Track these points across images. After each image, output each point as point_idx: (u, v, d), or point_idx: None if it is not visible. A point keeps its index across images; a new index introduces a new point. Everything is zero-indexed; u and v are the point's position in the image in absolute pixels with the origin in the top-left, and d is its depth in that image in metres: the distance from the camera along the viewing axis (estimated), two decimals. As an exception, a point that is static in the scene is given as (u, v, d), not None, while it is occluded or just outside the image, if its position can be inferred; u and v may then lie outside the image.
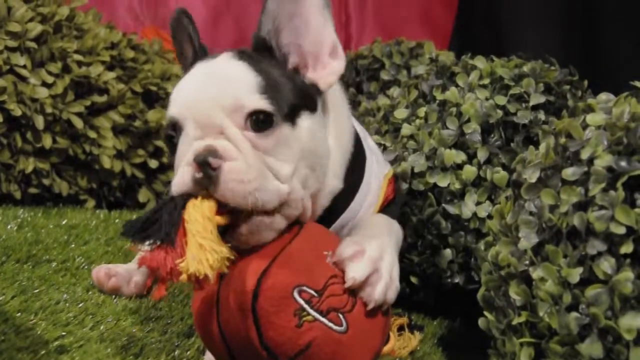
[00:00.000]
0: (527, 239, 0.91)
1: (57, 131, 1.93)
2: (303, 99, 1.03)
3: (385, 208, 1.21)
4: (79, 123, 1.93)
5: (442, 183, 1.29)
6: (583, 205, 0.85)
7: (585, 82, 1.44)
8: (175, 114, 0.99)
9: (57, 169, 1.98)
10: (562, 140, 0.93)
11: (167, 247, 0.89)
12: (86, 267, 1.42)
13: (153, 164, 2.11)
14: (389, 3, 3.15)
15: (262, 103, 0.97)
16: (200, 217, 0.90)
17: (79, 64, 1.97)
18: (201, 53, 1.11)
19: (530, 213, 0.93)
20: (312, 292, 0.92)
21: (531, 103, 1.32)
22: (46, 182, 1.95)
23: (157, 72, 2.15)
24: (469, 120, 1.31)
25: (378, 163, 1.22)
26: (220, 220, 0.91)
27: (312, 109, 1.04)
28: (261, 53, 1.05)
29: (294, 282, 0.92)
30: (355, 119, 1.25)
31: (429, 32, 3.03)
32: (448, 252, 1.31)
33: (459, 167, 1.29)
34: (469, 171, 1.28)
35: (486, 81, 1.37)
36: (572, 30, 2.69)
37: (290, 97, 1.00)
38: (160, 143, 2.11)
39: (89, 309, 1.19)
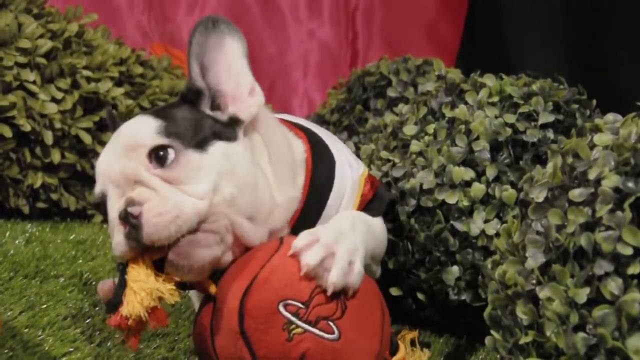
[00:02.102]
0: (534, 259, 0.91)
1: (66, 146, 1.94)
2: (218, 130, 1.07)
3: (365, 207, 1.22)
4: (87, 138, 1.94)
5: (451, 200, 1.29)
6: (590, 226, 0.85)
7: (594, 102, 1.44)
8: (98, 189, 1.05)
9: (65, 184, 1.99)
10: (570, 160, 0.93)
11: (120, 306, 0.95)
12: (93, 282, 1.42)
13: (160, 179, 2.11)
14: (396, 20, 3.16)
15: (158, 139, 1.01)
16: (137, 266, 0.96)
17: (88, 79, 1.98)
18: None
19: (537, 232, 0.93)
20: (298, 304, 0.93)
21: (540, 122, 1.33)
22: (54, 196, 1.96)
23: (166, 88, 2.16)
24: (478, 138, 1.31)
25: (350, 165, 1.23)
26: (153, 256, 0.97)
27: (230, 137, 1.08)
28: (182, 101, 1.12)
29: (278, 297, 0.93)
30: (316, 127, 1.29)
31: (436, 49, 3.04)
32: (455, 269, 1.31)
33: (468, 184, 1.30)
34: (478, 189, 1.28)
35: (495, 99, 1.37)
36: (577, 48, 2.70)
37: (200, 130, 1.05)
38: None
39: (97, 325, 1.19)
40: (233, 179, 1.03)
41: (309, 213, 1.14)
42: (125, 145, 1.02)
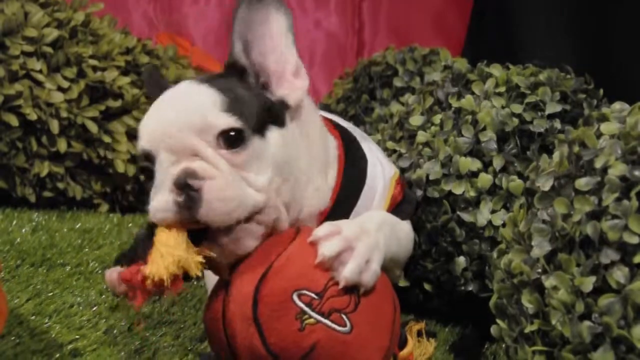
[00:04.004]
0: (540, 247, 0.91)
1: (72, 135, 1.94)
2: (270, 113, 1.05)
3: (394, 209, 1.21)
4: (93, 127, 1.94)
5: (457, 190, 1.29)
6: (596, 215, 0.85)
7: (601, 91, 1.43)
8: (145, 146, 1.00)
9: (72, 173, 1.99)
10: (576, 149, 0.93)
11: (140, 263, 0.94)
12: (99, 271, 1.43)
13: (166, 168, 2.11)
14: (402, 10, 3.15)
15: (230, 121, 0.98)
16: (169, 232, 0.94)
17: (94, 68, 1.98)
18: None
19: (543, 221, 0.93)
20: (312, 294, 0.92)
21: (547, 112, 1.32)
22: (60, 185, 1.96)
23: (172, 78, 2.16)
24: (484, 129, 1.31)
25: (382, 165, 1.22)
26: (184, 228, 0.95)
27: (280, 123, 1.06)
28: (229, 74, 1.07)
29: (292, 286, 0.92)
30: (349, 125, 1.28)
31: (442, 39, 3.03)
32: (462, 260, 1.31)
33: (474, 174, 1.29)
34: (485, 179, 1.28)
35: (502, 89, 1.36)
36: (585, 38, 2.69)
37: (257, 112, 1.02)
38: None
39: (103, 313, 1.20)
40: (284, 170, 1.03)
41: (339, 211, 1.13)
42: (190, 118, 0.98)
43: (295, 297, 0.91)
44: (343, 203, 1.14)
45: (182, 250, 0.92)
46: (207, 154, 0.96)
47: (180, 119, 0.98)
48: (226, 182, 0.95)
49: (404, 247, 1.21)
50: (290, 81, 1.08)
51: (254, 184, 0.98)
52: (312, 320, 0.91)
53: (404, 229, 1.20)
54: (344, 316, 0.93)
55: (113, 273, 1.33)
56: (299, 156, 1.07)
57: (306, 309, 0.91)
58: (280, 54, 1.08)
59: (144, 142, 1.00)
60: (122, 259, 0.95)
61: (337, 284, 0.94)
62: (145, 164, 1.02)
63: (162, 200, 0.95)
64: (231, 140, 0.98)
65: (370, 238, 1.01)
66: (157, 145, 0.98)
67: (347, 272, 0.94)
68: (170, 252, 0.91)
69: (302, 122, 1.10)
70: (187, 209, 0.93)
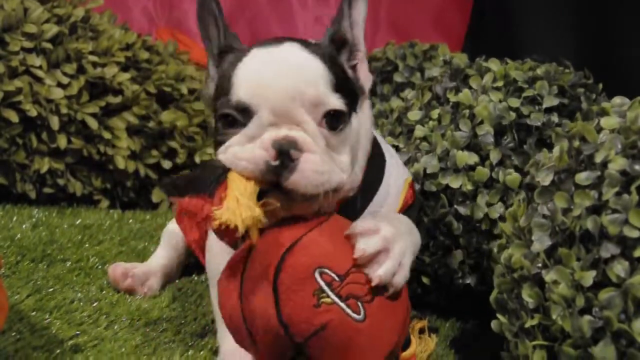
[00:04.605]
0: (540, 242, 0.91)
1: (72, 132, 1.94)
2: (356, 96, 1.07)
3: (405, 212, 1.21)
4: (93, 124, 1.94)
5: (455, 184, 1.29)
6: (597, 209, 0.85)
7: (600, 86, 1.43)
8: (247, 99, 0.98)
9: (72, 169, 1.99)
10: (576, 143, 0.93)
11: (206, 197, 0.93)
12: (100, 266, 1.43)
13: (166, 164, 2.11)
14: (402, 6, 3.15)
15: (339, 103, 1.00)
16: (243, 179, 0.93)
17: (94, 65, 1.98)
18: (230, 37, 1.11)
19: (544, 216, 0.93)
20: (334, 275, 0.92)
21: (544, 105, 1.32)
22: (61, 182, 1.96)
23: (172, 73, 2.16)
24: (482, 122, 1.31)
25: (398, 167, 1.22)
26: (260, 184, 0.94)
27: (357, 108, 1.08)
28: (328, 46, 1.08)
29: (316, 262, 0.92)
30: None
31: (443, 34, 3.03)
32: (459, 253, 1.31)
33: (472, 168, 1.29)
34: (482, 172, 1.28)
35: (500, 83, 1.36)
36: (586, 33, 2.68)
37: (352, 95, 1.05)
38: (173, 144, 2.12)
39: (103, 309, 1.20)
40: (354, 151, 1.06)
41: (355, 204, 1.13)
42: (306, 90, 0.98)
43: (317, 274, 0.92)
44: (361, 196, 1.14)
45: (254, 204, 0.92)
46: (310, 128, 0.98)
47: (297, 88, 0.98)
48: (322, 159, 0.97)
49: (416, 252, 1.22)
50: (366, 68, 1.12)
51: (339, 164, 1.00)
52: (328, 300, 0.91)
53: (418, 234, 1.21)
54: (360, 304, 0.93)
55: (117, 268, 1.33)
56: (360, 142, 1.09)
57: (325, 287, 0.91)
58: (363, 37, 1.12)
59: (248, 96, 0.98)
60: (176, 187, 0.93)
61: (359, 272, 0.95)
62: (231, 112, 1.00)
63: (251, 153, 0.95)
64: (334, 121, 1.00)
65: (405, 241, 1.02)
66: (262, 103, 0.97)
67: (382, 272, 0.95)
68: (247, 205, 0.91)
69: (362, 111, 1.11)
70: (275, 173, 0.94)
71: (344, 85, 1.03)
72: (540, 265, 0.91)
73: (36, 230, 1.61)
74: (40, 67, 1.88)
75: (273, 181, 0.94)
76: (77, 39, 2.00)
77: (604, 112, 0.97)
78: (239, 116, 0.99)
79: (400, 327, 0.99)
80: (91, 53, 1.99)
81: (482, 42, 3.02)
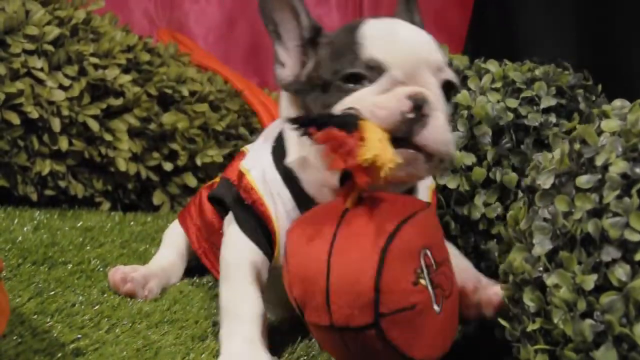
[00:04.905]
0: (541, 246, 0.91)
1: (73, 134, 1.94)
2: None
3: None
4: (95, 126, 1.94)
5: (452, 185, 1.29)
6: (597, 212, 0.85)
7: (599, 87, 1.43)
8: (380, 57, 1.01)
9: (73, 171, 1.99)
10: (577, 146, 0.93)
11: (341, 133, 0.91)
12: (101, 269, 1.43)
13: (168, 166, 2.12)
14: (403, 7, 3.15)
15: (453, 76, 1.06)
16: (378, 128, 0.94)
17: (95, 66, 1.98)
18: (314, 22, 1.14)
19: (545, 219, 0.93)
20: (433, 261, 0.92)
21: (542, 106, 1.32)
22: (62, 184, 1.96)
23: (173, 75, 2.16)
24: (479, 123, 1.31)
25: None
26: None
27: None
28: None
29: (425, 242, 0.92)
30: None
31: (444, 35, 3.02)
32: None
33: (469, 169, 1.29)
34: (479, 172, 1.28)
35: (498, 84, 1.37)
36: (587, 33, 2.69)
37: None
38: (175, 146, 2.12)
39: (105, 312, 1.20)
40: None
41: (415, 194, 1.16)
42: (437, 56, 1.04)
43: (422, 254, 0.91)
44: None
45: (389, 147, 0.91)
46: (435, 90, 1.02)
47: (427, 51, 1.04)
48: (445, 120, 1.01)
49: None
50: None
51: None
52: (423, 282, 0.90)
53: None
54: (441, 297, 0.93)
55: (116, 273, 1.32)
56: None
57: (425, 270, 0.91)
58: None
59: (381, 54, 1.01)
60: (312, 122, 0.93)
61: (448, 265, 0.97)
62: (360, 70, 1.02)
63: (387, 103, 0.97)
64: (448, 92, 1.05)
65: None
66: (394, 62, 1.01)
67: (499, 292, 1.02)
68: (389, 148, 0.91)
69: None
70: (408, 126, 0.96)
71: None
72: (541, 269, 0.91)
73: (37, 233, 1.61)
74: (41, 69, 1.88)
75: (404, 134, 0.96)
76: (78, 41, 2.00)
77: (604, 115, 0.97)
78: (368, 73, 1.01)
79: (454, 331, 0.99)
80: (92, 55, 1.99)
81: (483, 43, 3.02)
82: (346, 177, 0.93)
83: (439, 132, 0.98)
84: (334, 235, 0.92)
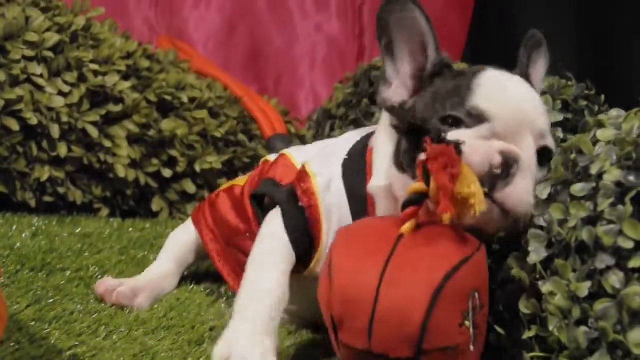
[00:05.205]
0: (537, 253, 0.92)
1: (73, 140, 1.94)
2: None
3: None
4: (94, 132, 1.94)
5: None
6: (592, 220, 0.85)
7: (602, 97, 1.43)
8: (486, 107, 1.01)
9: (72, 177, 2.00)
10: (572, 155, 0.93)
11: (451, 151, 0.90)
12: (99, 276, 1.43)
13: (167, 173, 2.12)
14: (403, 14, 3.15)
15: (553, 143, 1.06)
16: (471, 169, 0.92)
17: (95, 73, 1.99)
18: (444, 58, 1.14)
19: (540, 227, 0.93)
20: (479, 303, 0.90)
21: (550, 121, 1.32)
22: (61, 190, 1.96)
23: (172, 82, 2.17)
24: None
25: None
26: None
27: None
28: None
29: (477, 284, 0.90)
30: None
31: (443, 43, 3.01)
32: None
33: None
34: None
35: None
36: (588, 43, 2.69)
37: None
38: (174, 152, 2.12)
39: (102, 320, 1.20)
40: None
41: None
42: (540, 120, 1.04)
43: (471, 296, 0.88)
44: None
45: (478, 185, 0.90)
46: (530, 152, 1.01)
47: (534, 114, 1.04)
48: (531, 186, 0.99)
49: None
50: None
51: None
52: (467, 323, 0.88)
53: None
54: (478, 332, 0.90)
55: (101, 287, 1.31)
56: None
57: (471, 312, 0.88)
58: None
59: (488, 104, 1.01)
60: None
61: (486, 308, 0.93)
62: (462, 115, 1.02)
63: (480, 151, 0.96)
64: (544, 157, 1.04)
65: None
66: (499, 115, 1.00)
67: None
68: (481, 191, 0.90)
69: None
70: (492, 179, 0.96)
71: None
72: (537, 276, 0.91)
73: (36, 239, 1.61)
74: (41, 76, 1.88)
75: (487, 186, 0.95)
76: (78, 48, 2.00)
77: (600, 124, 0.98)
78: (468, 119, 1.01)
79: None
80: (92, 61, 2.00)
81: (483, 49, 3.02)
82: (412, 202, 0.93)
83: (521, 193, 0.97)
84: (386, 262, 0.89)
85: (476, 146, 0.96)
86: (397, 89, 1.14)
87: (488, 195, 0.94)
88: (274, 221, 1.14)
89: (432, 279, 0.86)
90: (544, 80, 1.19)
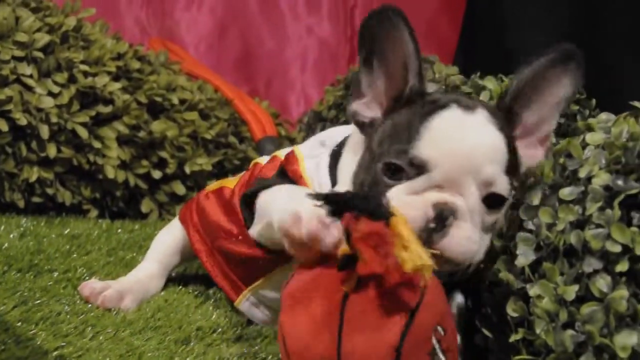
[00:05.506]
0: (525, 257, 0.92)
1: (62, 141, 1.93)
2: (514, 175, 1.04)
3: None
4: (83, 133, 1.94)
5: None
6: (580, 224, 0.85)
7: (593, 101, 1.43)
8: (427, 158, 0.98)
9: (61, 178, 1.99)
10: (561, 159, 0.93)
11: (380, 228, 0.84)
12: (87, 277, 1.42)
13: (156, 174, 2.11)
14: (394, 17, 3.15)
15: (506, 189, 0.99)
16: (409, 227, 0.87)
17: (85, 74, 1.98)
18: (422, 87, 1.09)
19: (529, 231, 0.93)
20: (441, 331, 0.87)
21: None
22: (50, 191, 1.96)
23: (163, 84, 2.16)
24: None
25: None
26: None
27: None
28: (500, 114, 1.07)
29: (435, 322, 0.86)
30: None
31: (434, 45, 3.02)
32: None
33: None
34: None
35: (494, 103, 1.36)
36: (577, 42, 2.69)
37: (513, 174, 1.02)
38: (164, 154, 2.12)
39: (89, 321, 1.19)
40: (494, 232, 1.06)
41: None
42: (483, 169, 0.98)
43: (433, 334, 0.86)
44: None
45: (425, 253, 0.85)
46: (473, 200, 0.97)
47: (478, 165, 0.98)
48: (472, 233, 0.96)
49: None
50: (536, 148, 1.09)
51: (482, 244, 0.99)
52: (437, 357, 0.86)
53: None
54: (450, 355, 0.88)
55: (84, 288, 1.30)
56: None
57: (436, 346, 0.86)
58: (543, 116, 1.10)
59: (428, 155, 0.98)
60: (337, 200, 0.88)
61: (452, 319, 0.92)
62: (402, 164, 0.99)
63: (414, 207, 0.95)
64: (495, 202, 1.00)
65: None
66: (439, 167, 0.97)
67: None
68: (422, 252, 0.84)
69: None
70: (427, 234, 0.94)
71: (512, 165, 1.02)
72: (525, 279, 0.91)
73: (24, 240, 1.60)
74: (30, 76, 1.87)
75: (424, 240, 0.92)
76: (68, 48, 2.00)
77: (589, 128, 0.98)
78: (409, 169, 0.99)
79: None
80: (82, 62, 1.99)
81: (474, 54, 3.03)
82: (345, 265, 0.86)
83: (458, 243, 0.95)
84: (339, 331, 0.85)
85: (408, 204, 0.95)
86: (370, 103, 1.12)
87: (428, 246, 0.92)
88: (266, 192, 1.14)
89: (389, 339, 0.83)
90: (568, 102, 1.10)
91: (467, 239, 0.95)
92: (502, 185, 0.99)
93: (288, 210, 0.90)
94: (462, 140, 0.99)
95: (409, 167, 0.99)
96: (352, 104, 1.13)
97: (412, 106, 1.06)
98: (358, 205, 0.85)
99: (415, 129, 1.00)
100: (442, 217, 0.94)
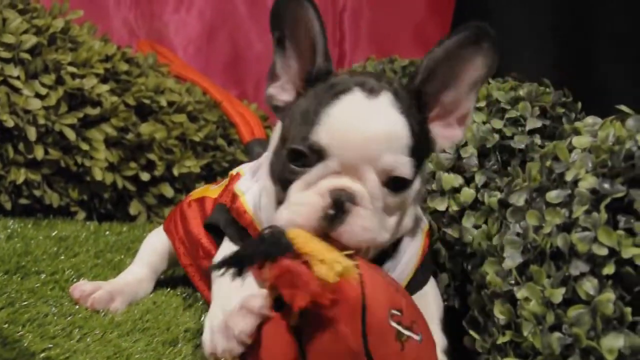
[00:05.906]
0: (512, 259, 0.92)
1: (49, 143, 1.93)
2: (425, 157, 1.07)
3: (423, 262, 1.18)
4: (71, 135, 1.93)
5: (441, 207, 1.28)
6: (567, 227, 0.86)
7: (579, 105, 1.44)
8: (325, 143, 0.98)
9: (49, 180, 1.98)
10: (548, 162, 0.94)
11: (289, 258, 0.87)
12: (75, 279, 1.41)
13: (144, 176, 2.11)
14: (382, 21, 3.16)
15: (408, 171, 1.00)
16: (308, 234, 0.91)
17: (73, 76, 1.98)
18: (329, 65, 1.09)
19: (516, 234, 0.94)
20: (397, 312, 0.90)
21: (528, 127, 1.32)
22: (37, 193, 1.95)
23: (151, 86, 2.16)
24: (466, 144, 1.31)
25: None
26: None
27: (423, 167, 1.08)
28: (407, 93, 1.07)
29: (389, 305, 0.89)
30: None
31: (423, 49, 3.03)
32: (445, 276, 1.30)
33: (456, 190, 1.29)
34: (467, 193, 1.27)
35: (482, 104, 1.37)
36: (567, 51, 2.71)
37: (422, 156, 1.04)
38: (152, 156, 2.11)
39: (77, 322, 1.19)
40: (402, 214, 1.07)
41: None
42: (382, 149, 0.98)
43: (390, 320, 0.88)
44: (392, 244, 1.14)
45: (335, 254, 0.88)
46: (372, 186, 0.98)
47: (376, 152, 0.98)
48: (372, 217, 0.98)
49: None
50: (452, 125, 1.10)
51: (385, 225, 1.01)
52: (405, 336, 0.89)
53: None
54: (415, 325, 0.92)
55: (75, 290, 1.30)
56: (413, 202, 1.09)
57: (399, 327, 0.89)
58: (460, 95, 1.09)
59: (326, 140, 0.98)
60: (233, 261, 0.88)
61: (406, 296, 0.95)
62: (304, 149, 1.00)
63: (308, 201, 0.97)
64: (397, 185, 1.01)
65: None
66: (335, 151, 0.98)
67: None
68: (329, 257, 0.86)
69: (421, 171, 1.10)
70: (329, 221, 0.95)
71: (419, 147, 1.02)
72: (512, 282, 0.92)
73: (11, 242, 1.60)
74: (18, 78, 1.87)
75: (324, 230, 0.95)
76: (56, 50, 1.99)
77: (576, 132, 0.98)
78: (310, 155, 1.00)
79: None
80: (70, 64, 1.98)
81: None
82: (280, 308, 0.90)
83: (355, 230, 0.96)
84: (302, 348, 0.90)
85: (302, 198, 0.98)
86: (284, 85, 1.12)
87: (328, 235, 0.95)
88: (224, 244, 1.18)
89: (353, 346, 0.86)
90: (482, 81, 1.08)
91: (362, 228, 0.96)
92: (404, 169, 0.99)
93: (214, 328, 0.96)
94: (359, 128, 0.99)
95: (310, 152, 1.00)
96: (269, 88, 1.13)
97: (317, 88, 1.06)
98: (257, 253, 0.88)
99: (316, 113, 1.01)
100: (339, 203, 0.95)
